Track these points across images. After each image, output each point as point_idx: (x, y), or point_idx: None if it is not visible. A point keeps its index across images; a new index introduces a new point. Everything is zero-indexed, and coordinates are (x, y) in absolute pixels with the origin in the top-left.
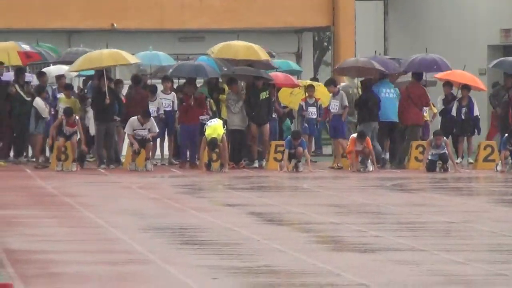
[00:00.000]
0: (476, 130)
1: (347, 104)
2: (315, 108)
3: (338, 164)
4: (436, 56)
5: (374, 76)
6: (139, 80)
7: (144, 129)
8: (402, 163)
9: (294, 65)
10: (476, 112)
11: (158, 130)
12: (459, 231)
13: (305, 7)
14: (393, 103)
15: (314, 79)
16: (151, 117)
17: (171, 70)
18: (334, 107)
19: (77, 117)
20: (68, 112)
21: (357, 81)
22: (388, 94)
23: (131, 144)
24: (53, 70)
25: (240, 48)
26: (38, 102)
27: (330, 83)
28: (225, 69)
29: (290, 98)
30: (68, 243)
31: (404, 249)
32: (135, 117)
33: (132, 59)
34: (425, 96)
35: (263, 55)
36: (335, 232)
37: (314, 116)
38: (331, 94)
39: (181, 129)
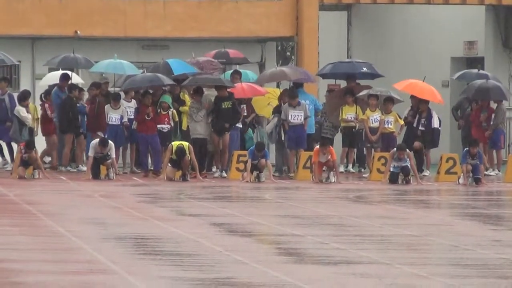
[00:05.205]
0: (435, 142)
1: (309, 115)
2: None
3: (290, 175)
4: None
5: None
6: (98, 86)
7: (103, 153)
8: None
9: (251, 74)
10: (435, 124)
11: (114, 156)
12: (422, 245)
13: (269, 16)
14: None
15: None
16: (109, 142)
17: (125, 83)
18: (296, 118)
19: (36, 149)
20: (30, 146)
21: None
22: None
23: (88, 168)
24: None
25: None
26: (20, 111)
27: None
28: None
29: (268, 109)
30: (29, 252)
31: (367, 262)
32: (97, 140)
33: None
34: None
35: None
36: (297, 244)
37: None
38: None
39: (139, 138)
